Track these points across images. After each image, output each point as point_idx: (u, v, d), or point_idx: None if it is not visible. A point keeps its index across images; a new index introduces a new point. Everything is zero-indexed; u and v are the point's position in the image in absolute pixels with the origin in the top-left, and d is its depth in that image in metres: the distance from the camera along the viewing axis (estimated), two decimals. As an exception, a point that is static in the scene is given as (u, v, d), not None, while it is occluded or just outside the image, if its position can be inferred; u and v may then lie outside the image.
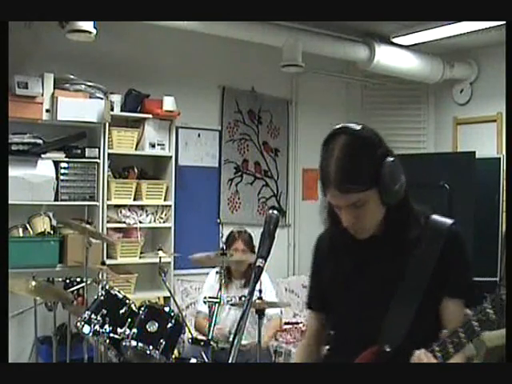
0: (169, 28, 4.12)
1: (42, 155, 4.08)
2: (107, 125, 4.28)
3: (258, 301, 3.23)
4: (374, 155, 1.44)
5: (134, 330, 3.07)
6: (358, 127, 1.48)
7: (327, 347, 1.75)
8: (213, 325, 3.33)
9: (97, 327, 3.07)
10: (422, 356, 1.34)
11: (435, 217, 1.58)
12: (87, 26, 3.65)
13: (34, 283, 3.45)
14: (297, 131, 5.66)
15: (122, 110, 4.44)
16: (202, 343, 3.26)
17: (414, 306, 1.49)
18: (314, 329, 1.79)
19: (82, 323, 3.10)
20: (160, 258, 3.91)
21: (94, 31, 3.70)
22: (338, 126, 1.49)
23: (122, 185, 4.46)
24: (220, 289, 3.46)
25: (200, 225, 5.03)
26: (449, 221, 1.57)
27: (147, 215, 4.57)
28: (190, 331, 3.65)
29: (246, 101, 5.36)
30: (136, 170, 4.57)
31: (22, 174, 3.96)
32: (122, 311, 3.16)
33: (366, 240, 1.55)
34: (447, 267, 1.51)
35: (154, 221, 4.62)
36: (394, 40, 4.95)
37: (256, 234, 3.48)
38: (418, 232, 1.52)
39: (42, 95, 4.03)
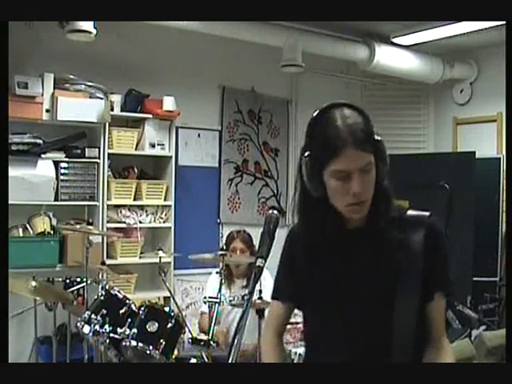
0: (169, 28, 4.12)
1: (42, 155, 4.08)
2: (107, 125, 4.27)
3: (258, 301, 3.23)
4: (372, 126, 1.51)
5: (134, 330, 3.07)
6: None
7: (304, 345, 1.73)
8: (213, 325, 3.33)
9: (97, 327, 3.07)
10: None
11: (412, 211, 1.60)
12: (87, 25, 3.66)
13: (33, 283, 3.45)
14: (297, 131, 5.64)
15: (122, 110, 4.43)
16: (202, 343, 3.26)
17: (412, 307, 1.48)
18: (281, 319, 1.73)
19: (82, 323, 3.10)
20: (160, 258, 3.91)
21: (94, 31, 3.70)
22: (332, 102, 1.57)
23: (122, 185, 4.45)
24: (220, 289, 3.45)
25: (200, 225, 5.03)
26: (426, 213, 1.59)
27: (147, 215, 4.57)
28: (190, 331, 3.65)
29: (245, 101, 5.36)
30: (136, 170, 4.57)
31: (21, 174, 3.96)
32: (122, 311, 3.16)
33: (348, 232, 1.56)
34: (433, 261, 1.52)
35: (154, 221, 4.62)
36: (394, 40, 4.95)
37: (256, 234, 3.48)
38: (396, 223, 1.53)
39: (42, 95, 4.02)
